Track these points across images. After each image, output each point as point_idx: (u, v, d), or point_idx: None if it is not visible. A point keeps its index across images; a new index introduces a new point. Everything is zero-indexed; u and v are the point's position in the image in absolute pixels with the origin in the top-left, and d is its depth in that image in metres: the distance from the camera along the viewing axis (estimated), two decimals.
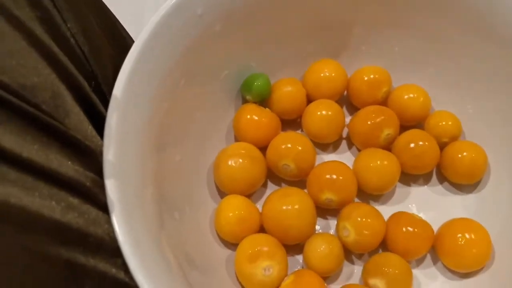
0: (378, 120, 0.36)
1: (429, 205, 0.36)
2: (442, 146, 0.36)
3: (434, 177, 0.37)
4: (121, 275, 0.24)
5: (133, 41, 0.32)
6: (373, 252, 0.34)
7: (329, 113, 0.36)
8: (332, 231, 0.35)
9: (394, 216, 0.34)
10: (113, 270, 0.23)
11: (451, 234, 0.33)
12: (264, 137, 0.36)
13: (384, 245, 0.34)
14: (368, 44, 0.39)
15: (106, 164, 0.25)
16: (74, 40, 0.26)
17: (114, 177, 0.25)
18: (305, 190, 0.35)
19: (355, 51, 0.39)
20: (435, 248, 0.33)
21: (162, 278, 0.24)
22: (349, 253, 0.34)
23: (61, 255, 0.22)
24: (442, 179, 0.37)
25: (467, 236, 0.32)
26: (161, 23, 0.29)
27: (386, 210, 0.34)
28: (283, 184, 0.37)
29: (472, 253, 0.32)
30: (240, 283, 0.32)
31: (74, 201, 0.23)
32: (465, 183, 0.36)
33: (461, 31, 0.35)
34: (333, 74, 0.38)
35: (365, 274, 0.32)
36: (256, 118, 0.36)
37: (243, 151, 0.34)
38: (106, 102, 0.27)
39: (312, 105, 0.37)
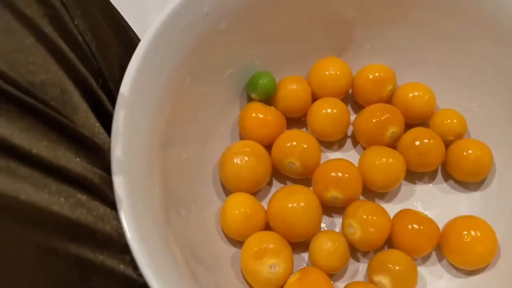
0: (383, 118, 0.36)
1: (434, 203, 0.36)
2: (447, 144, 0.36)
3: (439, 175, 0.37)
4: (129, 271, 0.24)
5: (138, 39, 0.32)
6: (378, 250, 0.34)
7: (334, 111, 0.37)
8: (337, 229, 0.35)
9: (400, 213, 0.34)
10: (121, 267, 0.23)
11: (456, 232, 0.33)
12: (269, 135, 0.36)
13: (389, 243, 0.34)
14: (373, 42, 0.39)
15: (113, 161, 0.25)
16: (81, 37, 0.26)
17: (122, 174, 0.25)
18: (310, 188, 0.35)
19: (360, 49, 0.40)
20: (441, 245, 0.33)
21: (170, 275, 0.24)
22: (354, 250, 0.34)
23: (70, 251, 0.22)
24: (447, 177, 0.37)
25: (472, 233, 0.32)
26: (167, 21, 0.29)
27: (391, 208, 0.34)
28: (288, 182, 0.37)
29: (477, 250, 0.32)
30: (246, 280, 0.32)
31: (83, 197, 0.23)
32: (470, 181, 0.36)
33: (466, 29, 0.35)
34: (338, 72, 0.38)
35: (369, 271, 0.32)
36: (261, 116, 0.36)
37: (248, 149, 0.34)
38: (113, 99, 0.27)
39: (317, 103, 0.37)
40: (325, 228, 0.35)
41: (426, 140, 0.35)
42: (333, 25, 0.38)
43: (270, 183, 0.37)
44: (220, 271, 0.32)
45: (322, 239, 0.32)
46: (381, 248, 0.34)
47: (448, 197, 0.36)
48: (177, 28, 0.30)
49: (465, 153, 0.35)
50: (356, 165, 0.35)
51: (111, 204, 0.24)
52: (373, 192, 0.36)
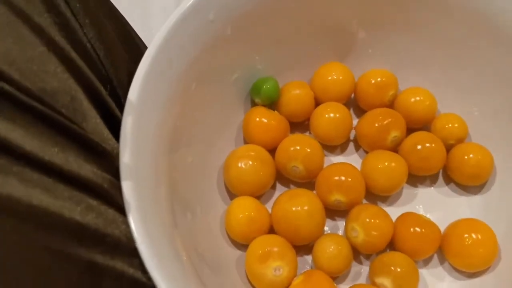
0: (385, 122, 0.36)
1: (436, 206, 0.37)
2: (449, 148, 0.37)
3: (441, 178, 0.38)
4: (139, 275, 0.24)
5: (145, 47, 0.33)
6: (381, 253, 0.34)
7: (337, 115, 0.37)
8: (340, 232, 0.36)
9: (402, 217, 0.34)
10: (131, 270, 0.24)
11: (457, 235, 0.33)
12: (273, 139, 0.36)
13: (392, 246, 0.34)
14: (375, 47, 0.39)
15: (122, 166, 0.25)
16: (90, 45, 0.27)
17: (130, 179, 0.25)
18: (314, 192, 0.35)
19: (362, 54, 0.40)
20: (442, 248, 0.34)
21: (179, 278, 0.24)
22: (357, 253, 0.34)
23: (81, 256, 0.22)
24: (448, 180, 0.37)
25: (473, 236, 0.32)
26: (174, 28, 0.30)
27: (393, 211, 0.35)
28: (292, 186, 0.37)
29: (478, 252, 0.32)
30: (250, 282, 0.32)
31: (93, 202, 0.23)
32: (471, 184, 0.37)
33: (467, 33, 0.35)
34: (340, 77, 0.38)
35: (371, 273, 0.33)
36: (265, 120, 0.36)
37: (252, 153, 0.35)
38: (121, 106, 0.28)
39: (320, 107, 0.38)
40: (329, 231, 0.36)
41: (427, 144, 0.35)
42: (335, 31, 0.38)
43: (274, 187, 0.37)
44: (225, 273, 0.33)
45: (326, 242, 0.33)
46: (383, 251, 0.34)
47: (449, 200, 0.37)
48: (183, 35, 0.30)
49: (466, 157, 0.35)
50: (359, 169, 0.36)
51: (120, 208, 0.25)
52: (375, 195, 0.36)
